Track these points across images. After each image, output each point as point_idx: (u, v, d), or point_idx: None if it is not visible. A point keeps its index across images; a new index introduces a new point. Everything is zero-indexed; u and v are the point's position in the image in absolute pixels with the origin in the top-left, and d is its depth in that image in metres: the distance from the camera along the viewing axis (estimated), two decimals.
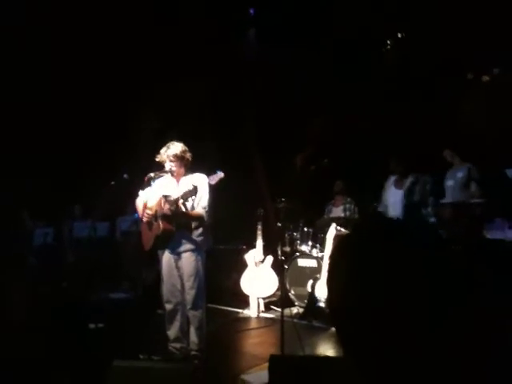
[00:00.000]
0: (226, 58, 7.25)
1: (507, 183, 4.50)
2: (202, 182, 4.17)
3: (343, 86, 6.79)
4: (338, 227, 5.60)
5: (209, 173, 4.39)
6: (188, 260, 4.14)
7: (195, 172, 4.28)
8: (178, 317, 4.21)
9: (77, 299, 5.24)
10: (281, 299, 4.83)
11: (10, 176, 6.88)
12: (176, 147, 4.16)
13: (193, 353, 4.17)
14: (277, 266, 6.11)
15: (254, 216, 6.32)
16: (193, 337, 4.18)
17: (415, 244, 0.82)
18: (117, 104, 7.60)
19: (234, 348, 4.91)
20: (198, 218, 4.14)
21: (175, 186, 4.21)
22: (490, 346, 0.77)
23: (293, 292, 6.21)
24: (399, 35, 6.93)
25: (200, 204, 4.13)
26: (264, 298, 6.25)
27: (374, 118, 6.22)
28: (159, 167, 4.23)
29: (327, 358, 3.71)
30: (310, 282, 5.66)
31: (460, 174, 5.21)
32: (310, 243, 6.36)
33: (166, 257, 4.22)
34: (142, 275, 6.00)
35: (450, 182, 5.35)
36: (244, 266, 6.33)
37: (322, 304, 5.41)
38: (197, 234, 4.17)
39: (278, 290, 6.12)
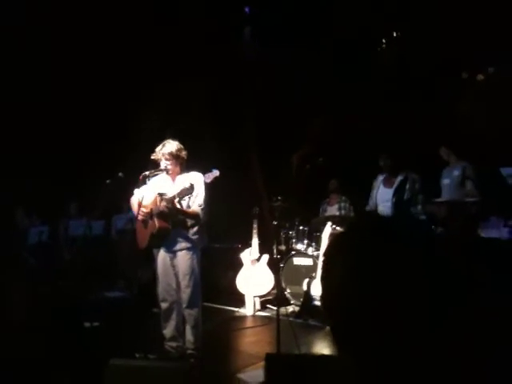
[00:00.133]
0: (226, 58, 7.25)
1: (502, 182, 4.50)
2: (197, 180, 4.17)
3: (343, 85, 6.79)
4: (334, 225, 5.61)
5: (204, 171, 4.40)
6: (183, 258, 4.14)
7: (191, 170, 4.29)
8: (174, 315, 4.21)
9: (72, 298, 5.23)
10: (276, 298, 4.84)
11: (6, 175, 6.88)
12: (171, 145, 4.16)
13: (189, 351, 4.17)
14: (272, 265, 6.12)
15: (250, 214, 6.33)
16: (189, 335, 4.18)
17: (410, 242, 0.82)
18: (117, 104, 7.61)
19: (230, 347, 4.91)
20: (194, 216, 4.14)
21: (171, 184, 4.22)
22: (490, 346, 0.77)
23: (288, 290, 6.21)
24: (394, 34, 6.93)
25: (196, 202, 4.13)
26: (260, 297, 6.26)
27: (373, 117, 6.23)
28: (155, 166, 4.24)
29: (323, 356, 3.71)
30: (306, 280, 5.66)
31: (456, 173, 5.20)
32: (305, 242, 6.37)
33: (162, 255, 4.23)
34: (138, 274, 6.00)
35: (446, 181, 5.35)
36: (240, 264, 6.34)
37: (317, 302, 5.40)
38: (192, 232, 4.18)
39: (273, 288, 6.14)
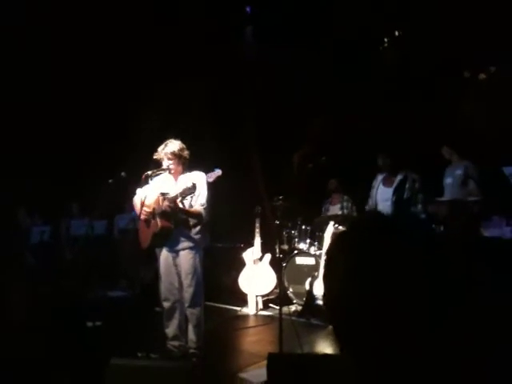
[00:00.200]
0: (226, 58, 7.25)
1: (504, 181, 4.50)
2: (200, 179, 4.18)
3: (343, 85, 6.79)
4: (336, 225, 5.62)
5: (207, 171, 4.40)
6: (186, 258, 4.14)
7: (193, 170, 4.29)
8: (176, 315, 4.21)
9: (74, 297, 5.23)
10: (279, 297, 4.82)
11: (8, 175, 6.88)
12: (174, 145, 4.16)
13: (191, 351, 4.17)
14: (275, 264, 6.13)
15: (252, 214, 6.33)
16: (191, 335, 4.18)
17: (412, 241, 0.82)
18: (117, 104, 7.60)
19: (233, 346, 4.91)
20: (197, 215, 4.14)
21: (173, 183, 4.21)
22: (490, 346, 0.77)
23: (291, 290, 6.21)
24: (396, 33, 6.93)
25: (198, 202, 4.13)
26: (262, 296, 6.26)
27: (373, 117, 6.23)
28: (157, 165, 4.23)
29: (325, 355, 3.71)
30: (308, 279, 5.67)
31: (458, 172, 5.20)
32: (307, 241, 6.37)
33: (164, 255, 4.23)
34: (140, 273, 6.01)
35: (448, 180, 5.34)
36: (242, 264, 6.34)
37: (320, 302, 5.41)
38: (195, 231, 4.17)
39: (276, 287, 6.13)
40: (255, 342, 4.95)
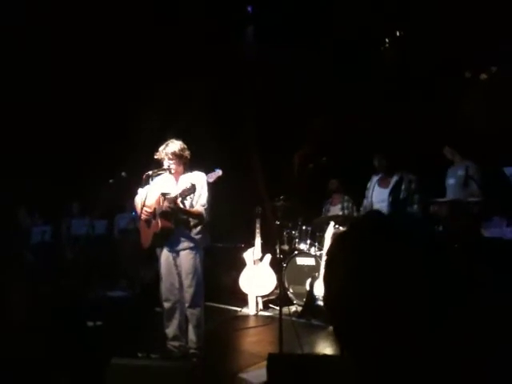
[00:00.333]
0: (226, 58, 7.25)
1: (505, 181, 4.49)
2: (200, 180, 4.18)
3: (343, 85, 6.79)
4: (337, 225, 5.62)
5: (207, 171, 4.40)
6: (186, 258, 4.14)
7: (194, 170, 4.29)
8: (177, 315, 4.21)
9: (74, 297, 5.23)
10: (279, 297, 4.83)
11: (8, 175, 6.88)
12: (175, 145, 4.16)
13: (191, 351, 4.17)
14: (275, 265, 6.12)
15: (253, 214, 6.33)
16: (191, 335, 4.18)
17: (413, 241, 0.81)
18: (117, 104, 7.60)
19: (233, 346, 4.91)
20: (197, 215, 4.15)
21: (174, 184, 4.22)
22: (491, 346, 0.77)
23: (291, 290, 6.21)
24: (397, 33, 6.92)
25: (199, 202, 4.14)
26: (262, 297, 6.26)
27: (373, 117, 6.22)
28: (158, 165, 4.23)
29: (325, 356, 3.72)
30: (309, 280, 5.67)
31: (460, 172, 5.19)
32: (308, 241, 6.37)
33: (165, 255, 4.23)
34: (140, 273, 6.00)
35: (451, 181, 5.33)
36: (242, 264, 6.33)
37: (320, 302, 5.41)
38: (195, 231, 4.18)
39: (276, 288, 6.13)
40: (255, 343, 4.95)
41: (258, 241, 6.26)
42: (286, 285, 6.21)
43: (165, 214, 4.01)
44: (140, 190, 4.23)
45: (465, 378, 0.76)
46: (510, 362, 0.77)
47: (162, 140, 4.27)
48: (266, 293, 6.23)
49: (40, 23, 6.66)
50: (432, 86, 6.26)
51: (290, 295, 6.20)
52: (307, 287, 5.65)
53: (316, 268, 5.86)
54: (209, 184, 4.32)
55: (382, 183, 5.11)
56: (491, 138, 5.19)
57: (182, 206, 4.03)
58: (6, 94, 6.87)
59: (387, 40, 6.98)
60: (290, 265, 6.23)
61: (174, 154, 4.13)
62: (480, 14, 5.48)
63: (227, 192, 5.59)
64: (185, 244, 4.15)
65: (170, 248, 4.19)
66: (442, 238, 0.83)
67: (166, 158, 4.15)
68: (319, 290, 5.45)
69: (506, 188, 4.56)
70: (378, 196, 5.10)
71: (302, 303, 5.89)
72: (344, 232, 0.92)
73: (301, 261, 6.21)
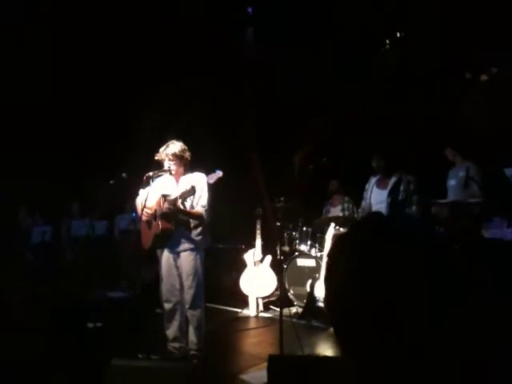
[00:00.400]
0: (226, 58, 7.24)
1: (506, 182, 4.49)
2: (200, 181, 4.18)
3: (343, 85, 6.78)
4: (337, 226, 5.61)
5: (208, 172, 4.39)
6: (187, 259, 4.14)
7: (194, 171, 4.29)
8: (177, 316, 4.21)
9: (75, 298, 5.22)
10: (280, 299, 4.83)
11: (9, 175, 6.87)
12: (175, 146, 4.16)
13: (192, 352, 4.17)
14: (276, 266, 6.11)
15: (253, 215, 6.31)
16: (192, 336, 4.18)
17: (413, 242, 0.81)
18: (117, 104, 7.59)
19: (233, 348, 4.91)
20: (198, 216, 4.15)
21: (174, 185, 4.22)
22: (491, 346, 0.77)
23: (292, 292, 6.20)
24: (398, 35, 6.92)
25: (199, 203, 4.14)
26: (263, 298, 6.25)
27: (373, 117, 6.22)
28: (158, 166, 4.23)
29: (326, 357, 3.70)
30: (309, 281, 5.67)
31: (461, 174, 5.18)
32: (308, 243, 6.37)
33: (166, 256, 4.23)
34: (141, 274, 5.99)
35: (452, 182, 5.33)
36: (243, 265, 6.33)
37: (321, 304, 5.40)
38: (196, 233, 4.17)
39: (276, 289, 6.12)
40: (256, 344, 4.94)
41: (258, 242, 6.24)
42: (287, 286, 6.20)
43: (165, 216, 4.01)
44: (141, 191, 4.22)
45: (465, 378, 0.76)
46: (510, 362, 0.77)
47: (162, 140, 4.27)
48: (267, 294, 6.22)
49: (40, 23, 6.65)
50: (432, 87, 6.25)
51: (291, 296, 6.19)
52: (308, 288, 5.65)
53: (316, 269, 5.85)
54: (209, 185, 4.31)
55: (381, 184, 5.11)
56: (492, 139, 5.18)
57: (182, 207, 4.03)
58: (6, 94, 6.86)
59: (387, 41, 6.97)
60: (291, 266, 6.22)
61: (174, 155, 4.13)
62: (480, 15, 5.47)
63: (228, 193, 5.60)
64: (185, 245, 4.15)
65: (171, 249, 4.19)
66: (442, 239, 0.83)
67: (167, 159, 4.14)
68: (320, 291, 5.44)
69: (506, 189, 4.56)
70: (376, 197, 5.09)
71: (302, 304, 5.89)
72: (344, 234, 0.92)
73: (301, 262, 6.20)
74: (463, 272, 0.81)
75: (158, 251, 4.31)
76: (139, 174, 4.17)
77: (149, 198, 4.04)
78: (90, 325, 4.77)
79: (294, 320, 5.11)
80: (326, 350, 4.65)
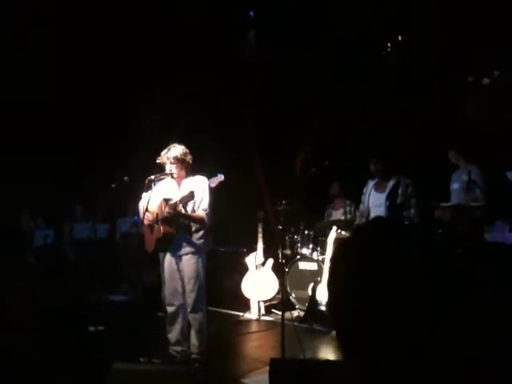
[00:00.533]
0: (226, 58, 7.23)
1: (508, 186, 4.49)
2: (202, 184, 4.18)
3: (343, 85, 6.77)
4: (339, 230, 5.60)
5: (210, 175, 4.38)
6: (188, 262, 4.13)
7: (196, 174, 4.28)
8: (180, 319, 4.21)
9: (76, 301, 5.20)
10: (281, 302, 4.81)
11: (10, 176, 6.86)
12: (177, 149, 4.15)
13: (193, 356, 4.17)
14: (277, 269, 6.10)
15: (255, 218, 6.30)
16: (193, 340, 4.17)
17: (413, 242, 0.83)
18: (117, 104, 7.58)
19: (235, 351, 4.90)
20: (199, 220, 4.14)
21: (176, 188, 4.21)
22: (490, 346, 0.78)
23: (293, 295, 6.20)
24: (399, 38, 6.90)
25: (201, 207, 4.13)
26: (265, 301, 6.24)
27: (373, 118, 6.21)
28: (160, 169, 4.22)
29: (328, 361, 3.69)
30: (311, 285, 5.66)
31: (464, 177, 5.17)
32: (310, 246, 6.36)
33: (168, 259, 4.22)
34: (142, 277, 5.98)
35: (455, 185, 5.31)
36: (245, 268, 6.32)
37: (322, 307, 5.40)
38: (197, 236, 4.17)
39: (278, 293, 6.10)
40: (257, 348, 4.95)
41: (260, 245, 6.22)
42: (289, 289, 6.19)
43: (166, 220, 4.00)
44: (144, 195, 4.21)
45: (465, 378, 0.77)
46: (510, 363, 0.77)
47: (163, 141, 4.26)
48: (268, 297, 6.21)
49: (40, 23, 6.62)
50: (434, 90, 6.24)
51: (293, 300, 6.18)
52: (309, 292, 5.64)
53: (318, 273, 5.84)
54: (211, 188, 4.30)
55: (379, 188, 5.10)
56: (494, 143, 5.18)
57: (183, 211, 4.02)
58: (6, 94, 6.84)
59: (389, 44, 6.96)
60: (293, 269, 6.22)
61: (175, 158, 4.12)
62: (483, 19, 5.46)
63: (229, 196, 5.58)
64: (187, 249, 4.14)
65: (173, 253, 4.18)
66: (442, 240, 0.84)
67: (168, 163, 4.14)
68: (321, 294, 5.43)
69: (508, 193, 4.55)
70: (374, 201, 5.08)
71: (304, 308, 5.89)
72: (348, 238, 0.93)
73: (303, 265, 6.20)
74: (463, 272, 0.82)
75: (161, 255, 4.31)
76: (141, 177, 4.16)
77: (150, 202, 4.04)
78: (92, 328, 4.76)
79: (296, 323, 5.12)
80: (328, 353, 4.65)
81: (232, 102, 7.57)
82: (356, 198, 6.32)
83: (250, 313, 6.19)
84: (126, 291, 6.81)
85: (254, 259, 6.24)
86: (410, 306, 0.76)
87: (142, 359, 4.02)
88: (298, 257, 6.30)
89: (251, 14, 7.55)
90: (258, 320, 6.08)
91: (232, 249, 7.06)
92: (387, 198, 4.94)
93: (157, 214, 4.07)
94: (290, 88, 6.93)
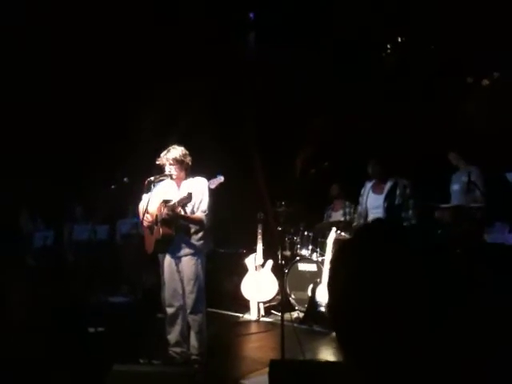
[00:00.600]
0: (226, 58, 7.22)
1: (508, 187, 4.49)
2: (201, 186, 4.18)
3: (343, 86, 6.77)
4: (339, 231, 5.60)
5: (210, 177, 4.38)
6: (188, 264, 4.14)
7: (196, 176, 4.27)
8: (179, 321, 4.21)
9: (76, 302, 5.21)
10: (281, 303, 4.81)
11: (10, 176, 6.85)
12: (176, 151, 4.15)
13: (193, 357, 4.17)
14: (277, 270, 6.10)
15: (254, 220, 6.30)
16: (193, 341, 4.18)
17: (413, 242, 0.83)
18: (117, 104, 7.57)
19: (234, 352, 4.90)
20: (198, 221, 4.14)
21: (176, 190, 4.21)
22: (490, 346, 0.78)
23: (293, 296, 6.20)
24: (399, 39, 6.90)
25: (200, 208, 4.13)
26: (264, 303, 6.23)
27: (373, 118, 6.21)
28: (159, 170, 4.22)
29: (328, 362, 3.70)
30: (311, 286, 5.67)
31: (464, 178, 5.18)
32: (310, 247, 6.36)
33: (167, 261, 4.23)
34: (142, 279, 5.99)
35: (455, 186, 5.33)
36: (244, 270, 6.31)
37: (322, 308, 5.40)
38: (197, 238, 4.17)
39: (278, 294, 6.10)
40: (257, 349, 4.94)
41: (259, 246, 6.21)
42: (288, 291, 6.18)
43: (165, 221, 4.00)
44: (145, 196, 4.21)
45: (465, 378, 0.77)
46: (510, 363, 0.78)
47: (163, 141, 4.26)
48: (268, 299, 6.20)
49: (40, 23, 6.62)
50: (434, 91, 6.24)
51: (292, 301, 6.18)
52: (309, 293, 5.64)
53: (318, 274, 5.84)
54: (210, 190, 4.30)
55: (376, 189, 5.10)
56: (494, 144, 5.18)
57: (182, 212, 4.02)
58: (6, 94, 6.84)
59: (389, 46, 6.96)
60: (292, 271, 6.21)
61: (175, 159, 4.12)
62: (482, 20, 5.46)
63: (229, 197, 5.58)
64: (186, 250, 4.15)
65: (172, 254, 4.19)
66: (442, 240, 0.84)
67: (168, 164, 4.14)
68: (321, 295, 5.44)
69: (508, 194, 4.55)
70: (372, 202, 5.09)
71: (303, 309, 5.88)
72: (347, 239, 0.96)
73: (303, 267, 6.20)
74: (463, 272, 0.81)
75: (160, 256, 4.31)
76: (140, 178, 4.16)
77: (150, 203, 4.04)
78: (92, 329, 4.77)
79: (296, 325, 5.12)
80: (328, 354, 4.65)
81: (232, 102, 7.56)
82: (356, 199, 6.33)
83: (250, 314, 6.19)
84: (126, 293, 6.80)
85: (253, 260, 6.24)
86: (410, 306, 0.76)
87: (141, 360, 4.03)
88: (298, 258, 6.30)
89: (251, 16, 7.54)
90: (257, 321, 6.08)
91: (232, 250, 7.06)
92: (385, 200, 4.95)
93: (156, 216, 4.07)
94: (289, 88, 6.92)
